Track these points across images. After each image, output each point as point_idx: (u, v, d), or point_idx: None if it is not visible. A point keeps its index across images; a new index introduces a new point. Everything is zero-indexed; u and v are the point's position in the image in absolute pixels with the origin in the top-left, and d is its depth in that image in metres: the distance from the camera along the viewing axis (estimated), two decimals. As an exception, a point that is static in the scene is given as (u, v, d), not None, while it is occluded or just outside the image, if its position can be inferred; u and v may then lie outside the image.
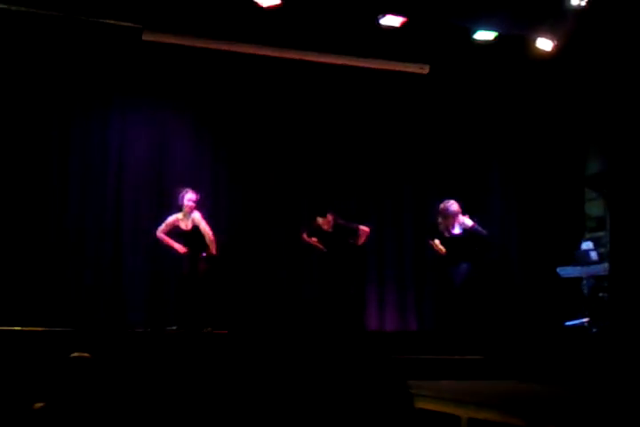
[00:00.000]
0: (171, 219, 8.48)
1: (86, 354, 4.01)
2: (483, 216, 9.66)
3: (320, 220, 9.02)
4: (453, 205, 8.84)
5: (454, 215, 8.80)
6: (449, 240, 8.85)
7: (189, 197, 8.43)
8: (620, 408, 3.48)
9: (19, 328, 7.04)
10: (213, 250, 8.46)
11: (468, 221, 8.88)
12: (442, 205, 8.88)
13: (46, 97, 9.00)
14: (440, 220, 8.88)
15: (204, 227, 8.46)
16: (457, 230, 8.85)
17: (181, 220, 8.46)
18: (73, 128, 9.15)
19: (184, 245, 8.49)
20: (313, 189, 9.99)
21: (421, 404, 5.03)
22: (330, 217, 8.99)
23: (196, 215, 8.47)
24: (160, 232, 8.49)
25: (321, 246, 9.09)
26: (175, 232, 8.52)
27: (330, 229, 9.00)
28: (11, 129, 8.80)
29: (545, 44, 9.43)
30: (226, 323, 8.50)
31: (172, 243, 8.51)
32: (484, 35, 9.28)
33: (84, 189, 9.11)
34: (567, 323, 9.57)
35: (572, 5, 8.81)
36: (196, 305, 8.32)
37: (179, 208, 8.48)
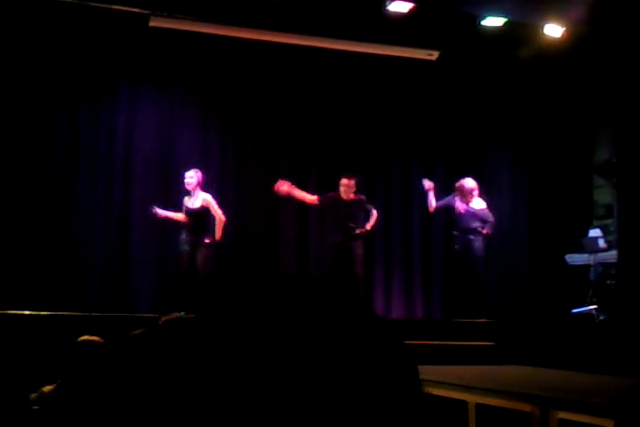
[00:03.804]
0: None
1: (95, 338, 4.03)
2: (491, 204, 9.65)
3: (345, 180, 8.71)
4: (469, 182, 8.90)
5: (471, 191, 8.86)
6: (461, 215, 8.88)
7: (187, 175, 8.44)
8: (628, 394, 3.49)
9: (28, 312, 7.07)
10: (219, 234, 8.42)
11: (482, 203, 8.98)
12: (458, 183, 8.95)
13: (54, 82, 9.00)
14: (457, 196, 8.92)
15: (216, 209, 8.42)
16: (476, 206, 8.91)
17: (187, 199, 8.46)
18: (80, 113, 9.16)
19: (187, 224, 8.41)
20: (320, 172, 9.98)
21: (428, 389, 5.03)
22: (354, 181, 8.71)
23: (207, 196, 8.44)
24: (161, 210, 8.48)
25: (304, 195, 8.75)
26: (184, 213, 8.50)
27: (348, 198, 8.75)
28: (18, 114, 8.82)
29: (554, 30, 9.39)
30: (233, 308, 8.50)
31: (171, 215, 8.48)
32: (493, 21, 9.25)
33: (91, 175, 9.12)
34: (574, 310, 9.58)
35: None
36: (201, 291, 8.32)
37: (187, 192, 8.51)
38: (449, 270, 9.85)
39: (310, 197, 8.84)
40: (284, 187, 8.72)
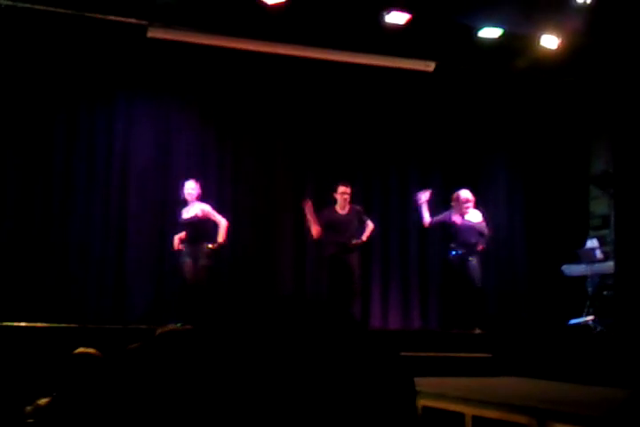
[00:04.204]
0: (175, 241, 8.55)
1: (91, 350, 4.01)
2: (488, 214, 9.66)
3: (342, 188, 8.71)
4: (464, 193, 8.91)
5: (465, 202, 8.84)
6: (460, 228, 8.85)
7: (188, 186, 8.47)
8: (624, 405, 3.47)
9: (24, 324, 7.05)
10: (224, 237, 8.43)
11: (479, 216, 8.96)
12: (455, 194, 8.95)
13: (52, 92, 9.02)
14: (454, 207, 8.93)
15: (216, 215, 8.49)
16: (471, 219, 8.88)
17: (184, 210, 8.47)
18: (78, 123, 9.16)
19: (193, 234, 8.39)
20: (317, 182, 9.97)
21: (426, 401, 5.02)
22: (350, 188, 8.72)
23: (206, 206, 8.48)
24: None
25: (314, 223, 8.62)
26: (179, 223, 8.50)
27: (344, 210, 8.75)
28: (17, 124, 8.82)
29: (550, 41, 9.42)
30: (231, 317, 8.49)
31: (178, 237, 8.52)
32: (490, 32, 9.28)
33: (88, 185, 9.12)
34: (571, 321, 9.57)
35: (578, 2, 8.79)
36: (200, 301, 8.30)
37: (184, 202, 8.51)
38: (446, 281, 9.84)
39: (315, 228, 8.72)
40: (307, 206, 8.71)
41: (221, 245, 8.49)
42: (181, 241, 8.50)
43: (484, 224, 8.97)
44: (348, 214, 8.76)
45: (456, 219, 8.86)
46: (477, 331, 8.47)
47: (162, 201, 9.32)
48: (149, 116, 9.53)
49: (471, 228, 8.85)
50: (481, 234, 8.90)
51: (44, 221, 8.85)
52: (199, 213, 8.42)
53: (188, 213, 8.45)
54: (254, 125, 9.90)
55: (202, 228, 8.43)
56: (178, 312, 8.38)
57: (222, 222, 8.48)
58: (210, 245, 8.36)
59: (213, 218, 8.49)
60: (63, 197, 8.99)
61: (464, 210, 8.86)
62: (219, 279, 9.06)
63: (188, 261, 8.37)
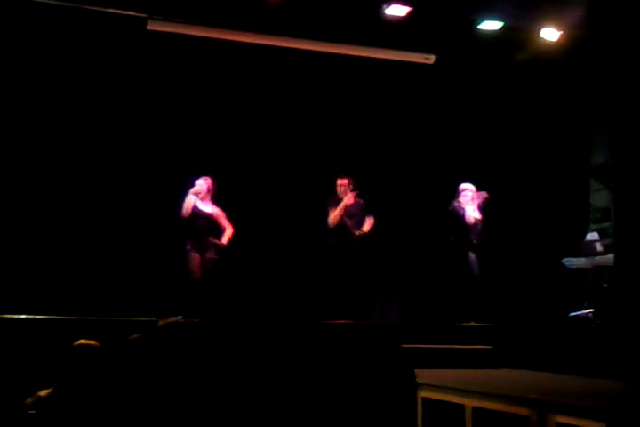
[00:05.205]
0: (189, 201, 8.33)
1: (92, 342, 4.02)
2: (487, 207, 9.67)
3: (339, 181, 8.76)
4: (463, 185, 9.01)
5: (462, 191, 8.94)
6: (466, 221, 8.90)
7: (197, 182, 8.41)
8: (624, 397, 3.48)
9: (24, 316, 7.06)
10: (227, 240, 8.45)
11: (476, 213, 8.99)
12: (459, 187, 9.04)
13: (49, 87, 8.97)
14: (456, 202, 8.98)
15: (225, 220, 8.52)
16: (472, 213, 8.89)
17: (199, 203, 8.39)
18: (76, 118, 9.13)
19: (202, 228, 8.35)
20: (316, 179, 9.95)
21: (426, 393, 5.03)
22: (347, 180, 8.76)
23: (217, 209, 8.49)
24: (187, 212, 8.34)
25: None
26: (195, 215, 8.37)
27: (353, 203, 8.76)
28: (13, 119, 8.78)
29: (550, 34, 9.42)
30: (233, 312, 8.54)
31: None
32: (490, 25, 9.28)
33: (88, 178, 9.09)
34: (572, 313, 9.59)
35: (578, -5, 8.81)
36: (204, 295, 8.31)
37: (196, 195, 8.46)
38: (447, 273, 9.85)
39: (333, 215, 8.76)
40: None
41: (224, 246, 8.49)
42: (189, 235, 8.45)
43: (480, 219, 9.02)
44: (351, 206, 8.79)
45: (460, 210, 8.92)
46: (472, 323, 8.52)
47: (161, 195, 9.30)
48: (148, 110, 9.51)
49: (474, 222, 8.92)
50: (477, 227, 8.97)
51: (44, 214, 8.84)
52: (216, 213, 8.43)
53: (205, 209, 8.42)
54: (253, 117, 9.87)
55: (212, 226, 8.43)
56: (180, 305, 8.39)
57: (229, 228, 8.50)
58: (217, 241, 8.38)
59: (224, 223, 8.49)
60: (64, 189, 8.97)
61: (461, 199, 8.92)
62: (220, 273, 9.05)
63: (194, 255, 8.33)
